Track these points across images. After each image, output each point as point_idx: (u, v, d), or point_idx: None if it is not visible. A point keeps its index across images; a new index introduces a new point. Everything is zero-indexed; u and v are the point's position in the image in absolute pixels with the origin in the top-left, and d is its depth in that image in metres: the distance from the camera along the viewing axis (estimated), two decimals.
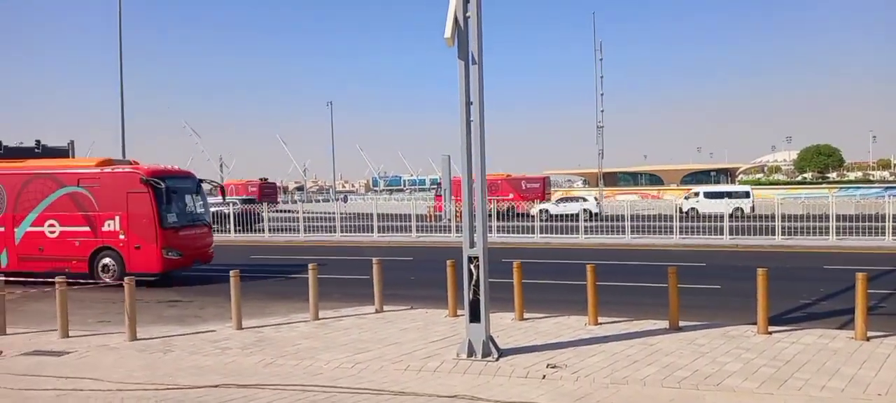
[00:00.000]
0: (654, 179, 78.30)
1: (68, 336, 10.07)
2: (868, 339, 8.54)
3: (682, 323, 9.55)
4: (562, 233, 25.49)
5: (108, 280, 15.32)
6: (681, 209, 33.33)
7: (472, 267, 8.09)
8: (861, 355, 7.91)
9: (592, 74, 40.51)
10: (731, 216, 25.39)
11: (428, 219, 31.78)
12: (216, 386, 7.27)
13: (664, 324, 9.67)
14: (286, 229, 30.12)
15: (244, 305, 10.83)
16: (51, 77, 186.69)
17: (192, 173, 18.26)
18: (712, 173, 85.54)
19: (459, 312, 10.66)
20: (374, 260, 12.08)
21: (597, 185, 42.47)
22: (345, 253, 22.72)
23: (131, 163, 16.41)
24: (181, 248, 15.75)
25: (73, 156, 34.65)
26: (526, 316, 10.49)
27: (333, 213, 30.45)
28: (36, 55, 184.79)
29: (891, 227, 21.31)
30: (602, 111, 40.16)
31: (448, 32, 7.54)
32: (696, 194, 37.54)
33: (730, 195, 35.84)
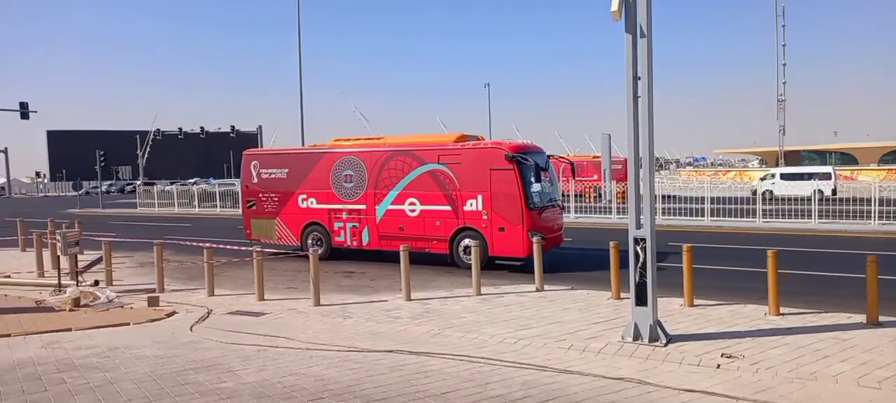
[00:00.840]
0: (847, 158, 69.73)
1: (263, 300, 11.36)
2: None
3: (882, 319, 8.52)
4: (735, 217, 23.69)
5: (467, 261, 13.93)
6: (754, 192, 30.62)
7: (638, 248, 7.85)
8: None
9: (773, 43, 36.58)
10: (810, 198, 22.49)
11: (586, 200, 31.15)
12: (390, 351, 7.82)
13: (860, 318, 8.68)
14: None
15: (411, 279, 11.44)
16: (236, 65, 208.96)
17: (542, 148, 16.32)
18: None
19: (623, 295, 10.41)
20: (534, 238, 12.15)
21: (776, 164, 38.69)
22: None
23: (480, 139, 15.58)
24: (544, 230, 13.94)
25: (261, 140, 38.31)
26: (696, 302, 9.97)
27: None
28: (220, 45, 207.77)
29: None
30: (784, 83, 36.25)
31: (615, 5, 7.31)
32: (773, 175, 33.91)
33: (811, 176, 31.92)
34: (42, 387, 6.53)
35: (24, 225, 20.71)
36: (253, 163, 17.73)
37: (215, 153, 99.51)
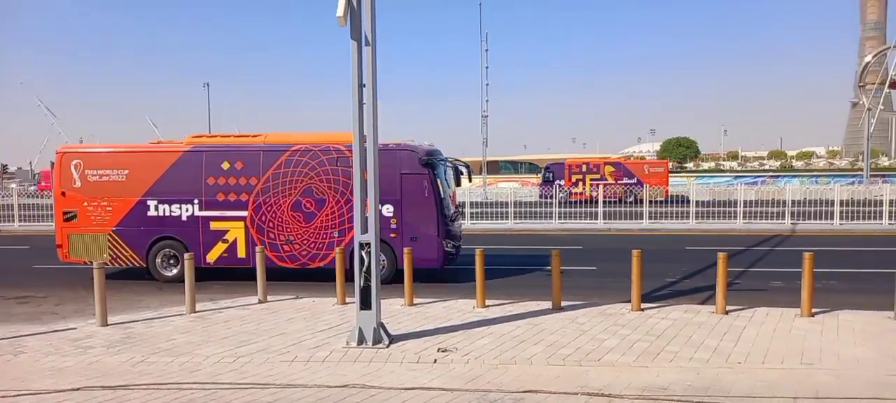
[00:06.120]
0: (533, 168, 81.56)
1: None
2: (727, 313, 9.36)
3: (564, 303, 9.94)
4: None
5: None
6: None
7: (363, 253, 7.91)
8: (722, 327, 8.63)
9: (478, 64, 41.16)
10: None
11: None
12: (77, 389, 6.58)
13: (547, 305, 10.01)
14: None
15: (111, 300, 9.92)
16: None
17: None
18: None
19: (349, 299, 10.44)
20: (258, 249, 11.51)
21: (480, 173, 43.51)
22: None
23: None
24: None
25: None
26: (416, 301, 10.46)
27: None
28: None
29: (742, 212, 23.55)
30: (487, 101, 40.89)
31: (340, 11, 7.27)
32: None
33: None
34: None
35: None
36: None
37: None
